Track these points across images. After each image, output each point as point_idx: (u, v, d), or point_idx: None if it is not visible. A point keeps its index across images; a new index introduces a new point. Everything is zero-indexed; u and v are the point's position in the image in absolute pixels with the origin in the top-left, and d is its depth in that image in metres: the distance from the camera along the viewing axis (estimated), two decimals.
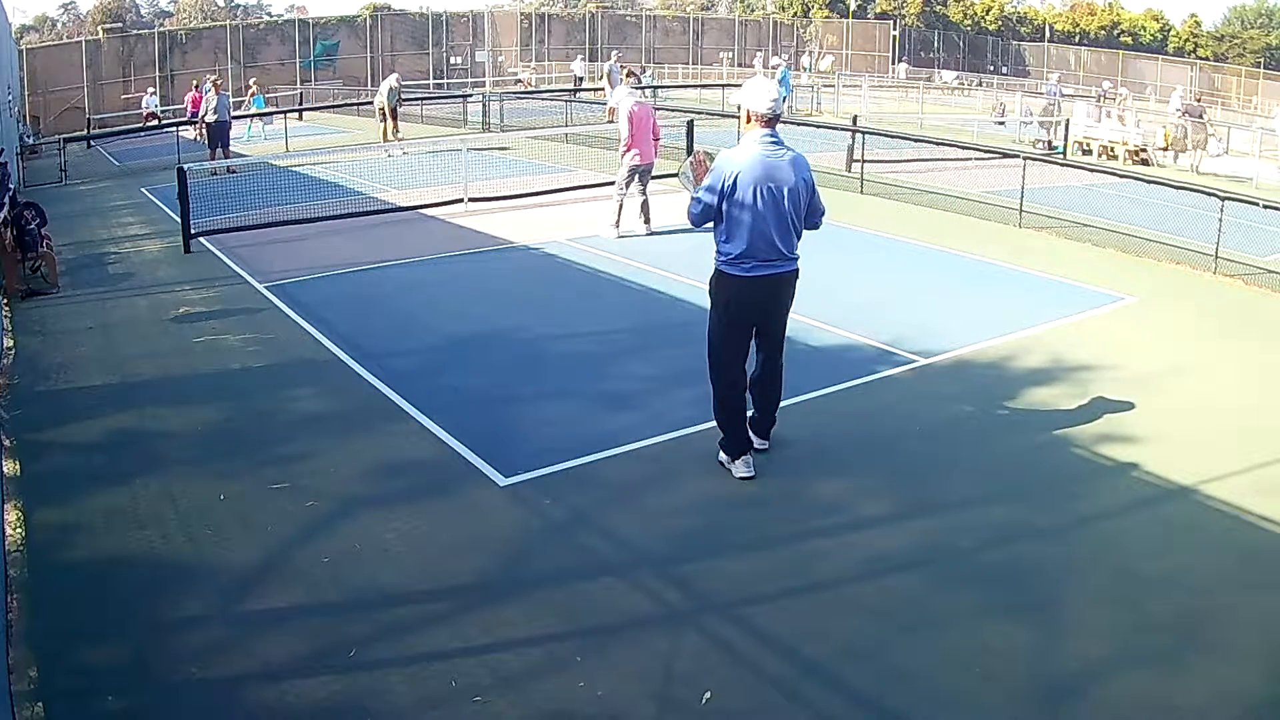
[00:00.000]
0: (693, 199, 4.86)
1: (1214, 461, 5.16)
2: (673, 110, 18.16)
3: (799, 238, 4.84)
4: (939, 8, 53.89)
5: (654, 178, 10.97)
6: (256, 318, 8.01)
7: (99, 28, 37.42)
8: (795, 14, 52.96)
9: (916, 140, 16.44)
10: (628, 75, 12.22)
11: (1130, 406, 5.92)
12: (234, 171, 15.45)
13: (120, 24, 39.95)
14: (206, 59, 34.45)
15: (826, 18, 51.77)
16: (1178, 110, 21.05)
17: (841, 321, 7.32)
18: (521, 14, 44.79)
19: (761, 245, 4.68)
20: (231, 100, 18.07)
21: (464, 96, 24.94)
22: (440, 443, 5.47)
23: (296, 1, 60.92)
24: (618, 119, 10.94)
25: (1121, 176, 13.01)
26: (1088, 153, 20.06)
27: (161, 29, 39.64)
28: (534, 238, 10.61)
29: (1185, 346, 7.29)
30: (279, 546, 4.41)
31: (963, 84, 41.32)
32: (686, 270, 8.99)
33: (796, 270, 4.87)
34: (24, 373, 6.85)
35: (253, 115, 23.14)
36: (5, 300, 8.64)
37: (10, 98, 17.09)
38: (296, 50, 37.48)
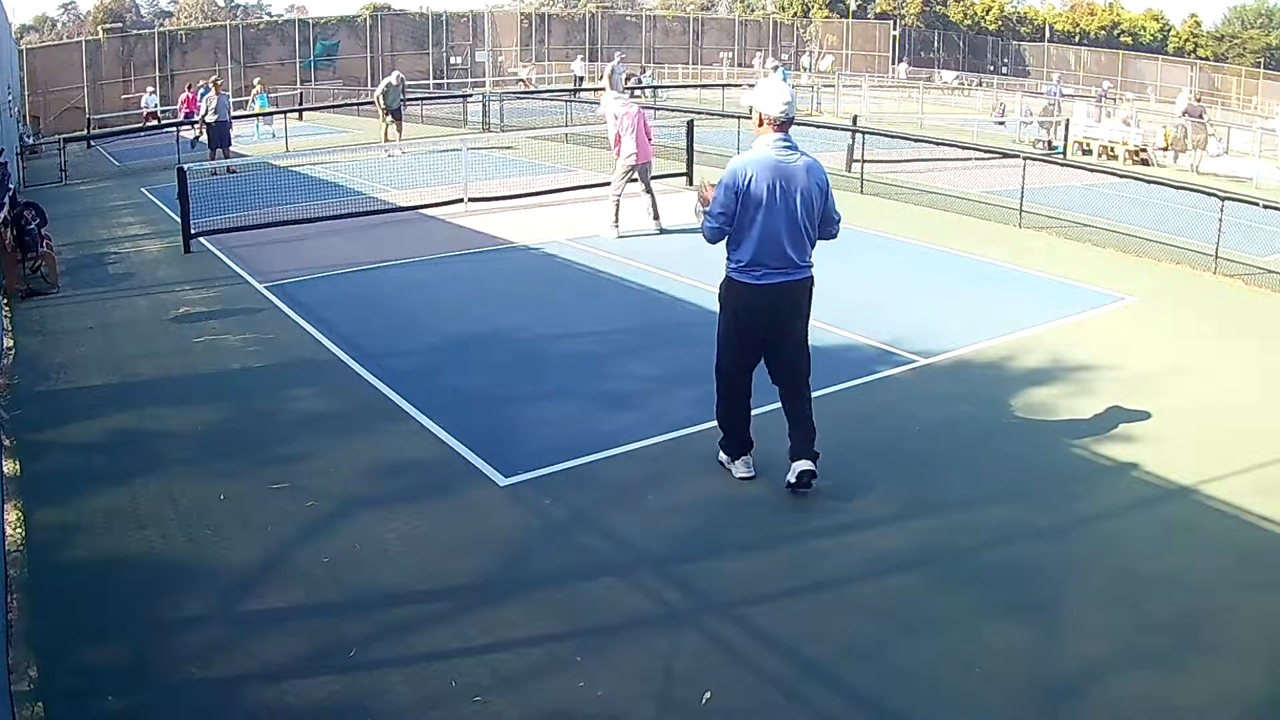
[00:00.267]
0: (707, 213, 4.64)
1: (1214, 461, 5.16)
2: (673, 110, 18.18)
3: (813, 245, 4.68)
4: (939, 8, 53.89)
5: (653, 176, 10.96)
6: (256, 318, 8.01)
7: (99, 28, 37.42)
8: (795, 14, 52.96)
9: (916, 140, 16.45)
10: (626, 78, 12.22)
11: (1130, 406, 5.92)
12: (234, 171, 15.45)
13: (120, 24, 39.94)
14: (206, 59, 34.47)
15: (826, 18, 51.78)
16: (1200, 115, 20.98)
17: (841, 321, 7.32)
18: (521, 14, 44.79)
19: (773, 251, 4.53)
20: (232, 100, 18.06)
21: (464, 96, 24.95)
22: (440, 443, 5.47)
23: (296, 1, 61.01)
24: (607, 123, 10.96)
25: (1121, 176, 13.01)
26: (1088, 153, 20.07)
27: (161, 29, 39.65)
28: (534, 238, 10.61)
29: (1185, 346, 7.29)
30: (279, 546, 4.41)
31: (963, 84, 41.33)
32: (686, 270, 8.99)
33: (811, 279, 4.69)
34: (24, 373, 6.85)
35: (256, 115, 23.13)
36: (5, 300, 8.64)
37: (10, 98, 17.09)
38: (296, 50, 37.49)
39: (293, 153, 18.51)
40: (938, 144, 15.82)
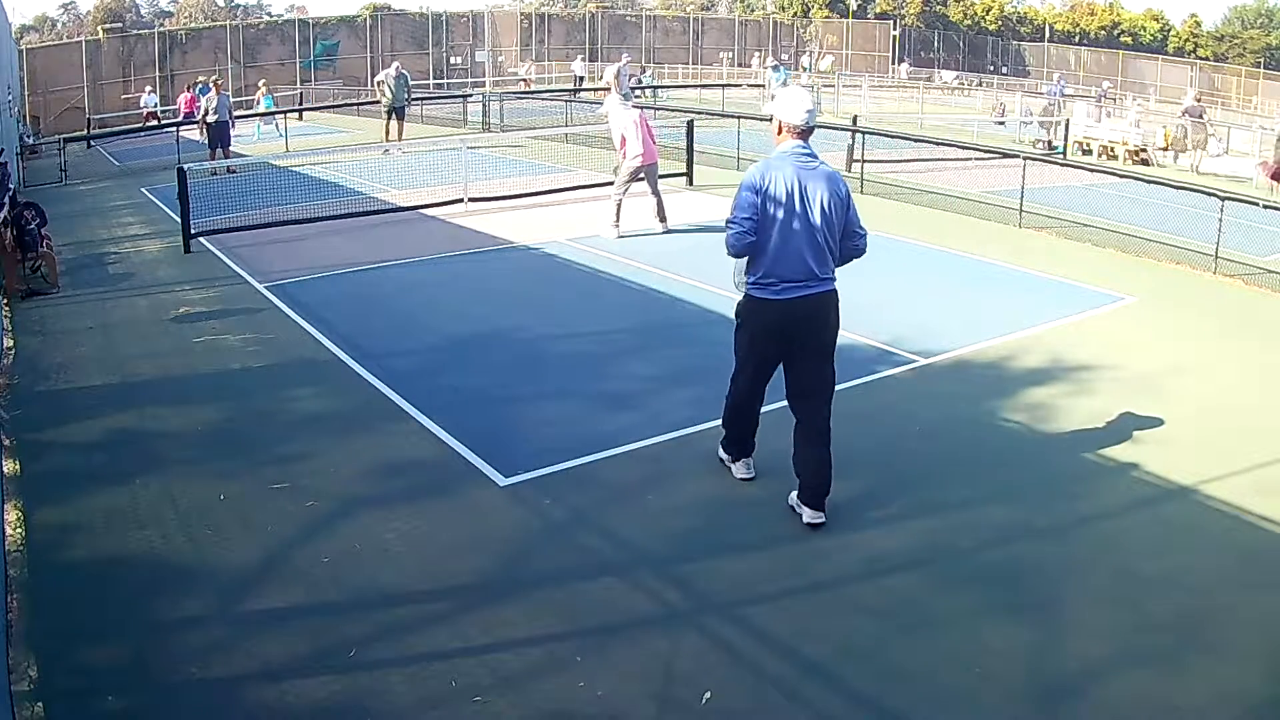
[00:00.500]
0: (729, 221, 4.43)
1: (1214, 461, 5.16)
2: (673, 110, 18.17)
3: (834, 259, 4.47)
4: (939, 8, 53.89)
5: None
6: (256, 318, 8.01)
7: (99, 28, 37.40)
8: (795, 14, 52.95)
9: (916, 140, 16.43)
10: (613, 76, 12.17)
11: (1130, 406, 5.91)
12: (234, 171, 15.45)
13: (120, 24, 39.94)
14: (206, 59, 34.46)
15: (826, 18, 51.77)
16: (1200, 115, 20.94)
17: (841, 321, 7.30)
18: (521, 14, 44.79)
19: (793, 262, 4.33)
20: (232, 100, 18.05)
21: (464, 96, 24.94)
22: (440, 443, 5.47)
23: (296, 1, 61.00)
24: (610, 127, 10.94)
25: (1121, 176, 13.00)
26: (1088, 153, 20.06)
27: (161, 29, 39.65)
28: (534, 238, 10.61)
29: (1185, 346, 7.29)
30: (279, 546, 4.41)
31: (963, 84, 41.32)
32: (687, 270, 9.00)
33: (834, 292, 4.47)
34: (24, 373, 6.85)
35: (259, 115, 23.11)
36: (5, 300, 8.64)
37: (10, 98, 17.09)
38: (296, 50, 37.48)
39: (293, 153, 18.50)
40: (938, 144, 15.82)
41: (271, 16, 52.15)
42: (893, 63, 47.67)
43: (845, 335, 7.08)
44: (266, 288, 8.87)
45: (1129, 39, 51.95)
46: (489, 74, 34.23)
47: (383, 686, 3.44)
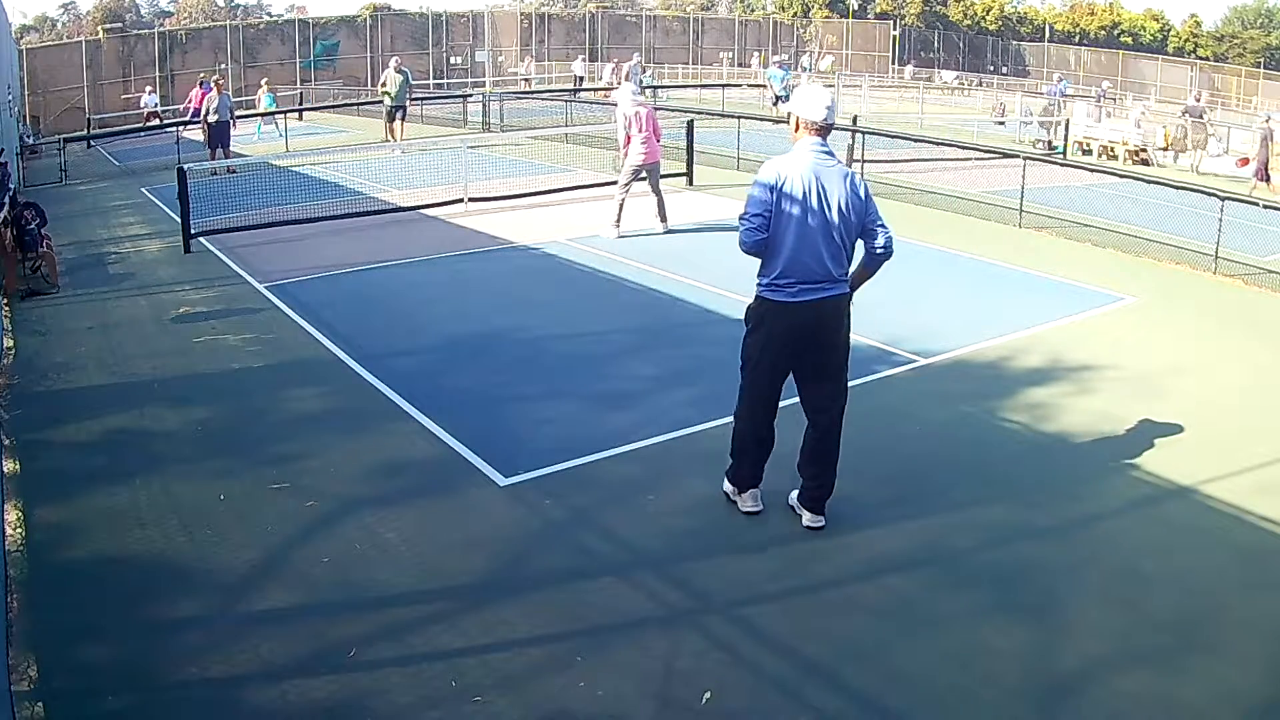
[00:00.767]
0: (741, 217, 4.30)
1: (1214, 461, 5.16)
2: (673, 110, 18.17)
3: (849, 259, 4.34)
4: (939, 8, 53.90)
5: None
6: (256, 318, 8.01)
7: (99, 28, 37.42)
8: (795, 14, 52.96)
9: (916, 140, 16.44)
10: (625, 76, 12.20)
11: (1130, 406, 5.92)
12: (234, 171, 15.44)
13: (120, 24, 39.96)
14: (206, 59, 34.46)
15: (826, 18, 51.78)
16: (1201, 115, 20.95)
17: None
18: (521, 14, 44.79)
19: (809, 263, 4.17)
20: (232, 100, 18.03)
21: (464, 96, 24.94)
22: (440, 443, 5.47)
23: (296, 1, 60.99)
24: (616, 119, 10.94)
25: (1121, 176, 13.00)
26: (1088, 153, 20.07)
27: (161, 29, 39.63)
28: (534, 238, 10.61)
29: (1185, 346, 7.29)
30: (279, 546, 4.41)
31: (963, 84, 41.33)
32: (687, 270, 9.00)
33: (848, 295, 4.35)
34: (24, 373, 6.85)
35: (261, 114, 23.10)
36: (5, 300, 8.64)
37: (10, 98, 17.09)
38: (296, 50, 37.48)
39: (293, 153, 18.51)
40: (938, 144, 15.82)
41: (271, 16, 52.15)
42: (893, 63, 47.68)
43: None
44: (266, 288, 8.87)
45: (1129, 39, 51.96)
46: (489, 74, 34.24)
47: (383, 686, 3.44)
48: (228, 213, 11.42)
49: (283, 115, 22.65)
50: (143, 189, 15.68)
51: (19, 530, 4.57)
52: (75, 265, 10.29)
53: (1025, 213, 11.41)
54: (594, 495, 4.86)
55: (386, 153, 17.59)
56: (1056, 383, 6.38)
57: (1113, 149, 19.87)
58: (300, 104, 28.34)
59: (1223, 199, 9.61)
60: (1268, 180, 16.20)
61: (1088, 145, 20.35)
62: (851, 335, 4.45)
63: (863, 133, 14.83)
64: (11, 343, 7.51)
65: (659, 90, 30.48)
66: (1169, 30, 52.92)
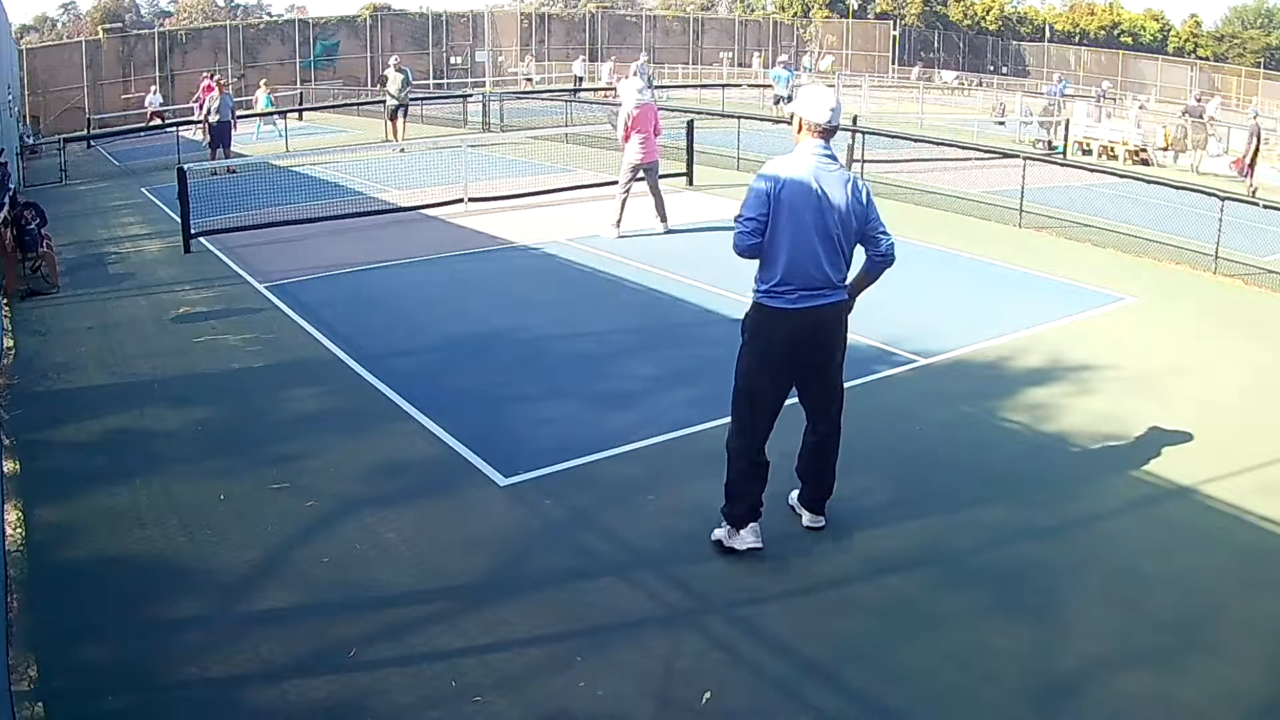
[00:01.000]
0: (737, 218, 4.16)
1: (1214, 461, 5.16)
2: (673, 110, 18.17)
3: (849, 265, 4.23)
4: (939, 8, 53.89)
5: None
6: (256, 318, 8.01)
7: (99, 28, 37.40)
8: (795, 14, 52.95)
9: (916, 140, 16.44)
10: (632, 74, 12.21)
11: (1130, 406, 5.92)
12: (234, 171, 15.45)
13: (120, 24, 39.93)
14: (206, 59, 34.41)
15: (826, 18, 51.76)
16: (1211, 117, 20.93)
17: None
18: (521, 14, 44.77)
19: (809, 268, 4.06)
20: (233, 100, 18.03)
21: (464, 96, 24.93)
22: (440, 443, 5.47)
23: (296, 1, 60.99)
24: (618, 114, 10.93)
25: (1121, 176, 12.99)
26: (1088, 153, 20.06)
27: (161, 29, 39.62)
28: (534, 238, 10.61)
29: (1185, 346, 7.29)
30: (279, 546, 4.41)
31: (963, 84, 41.32)
32: (686, 270, 9.00)
33: (848, 301, 4.27)
34: (24, 373, 6.85)
35: (260, 114, 23.09)
36: (5, 300, 8.64)
37: (10, 98, 17.09)
38: (296, 50, 37.46)
39: (293, 153, 18.51)
40: (938, 144, 15.82)
41: (271, 16, 52.12)
42: (893, 63, 47.67)
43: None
44: (266, 288, 8.87)
45: (1129, 39, 51.95)
46: (489, 74, 34.23)
47: (383, 686, 3.44)
48: (228, 213, 11.42)
49: (282, 115, 22.64)
50: (143, 189, 15.68)
51: (19, 530, 4.57)
52: (75, 265, 10.29)
53: (1025, 213, 11.41)
54: (594, 495, 4.86)
55: (386, 153, 17.60)
56: (1056, 383, 6.38)
57: (1113, 149, 19.87)
58: (300, 104, 28.34)
59: (1223, 199, 9.61)
60: (1249, 175, 16.24)
61: (1088, 145, 20.35)
62: (851, 335, 4.43)
63: (863, 133, 14.84)
64: (11, 343, 7.51)
65: (659, 90, 30.47)
66: (1169, 30, 52.91)
